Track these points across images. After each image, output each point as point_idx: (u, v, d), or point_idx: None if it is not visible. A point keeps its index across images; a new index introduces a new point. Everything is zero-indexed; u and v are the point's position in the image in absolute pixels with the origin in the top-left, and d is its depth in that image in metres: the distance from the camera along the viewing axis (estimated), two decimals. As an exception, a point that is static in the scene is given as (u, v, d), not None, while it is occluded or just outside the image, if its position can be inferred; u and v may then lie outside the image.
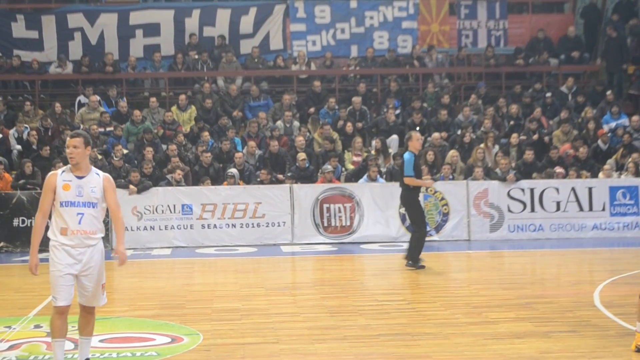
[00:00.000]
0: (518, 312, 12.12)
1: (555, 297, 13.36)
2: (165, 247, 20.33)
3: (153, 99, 24.86)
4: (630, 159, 21.82)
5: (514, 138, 22.93)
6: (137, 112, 23.64)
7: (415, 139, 16.95)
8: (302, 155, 21.79)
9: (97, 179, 8.96)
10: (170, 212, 20.53)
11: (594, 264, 17.81)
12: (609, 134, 23.53)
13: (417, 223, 16.75)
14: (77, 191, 8.82)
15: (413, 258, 16.69)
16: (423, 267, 16.69)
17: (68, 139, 8.97)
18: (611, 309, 12.07)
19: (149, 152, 21.62)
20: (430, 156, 21.36)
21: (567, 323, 11.43)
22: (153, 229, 20.49)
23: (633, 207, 21.12)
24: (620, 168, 22.02)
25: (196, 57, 26.59)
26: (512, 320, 11.62)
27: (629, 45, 28.34)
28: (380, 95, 26.14)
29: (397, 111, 24.82)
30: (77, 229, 8.78)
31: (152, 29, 27.42)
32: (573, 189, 21.13)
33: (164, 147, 22.63)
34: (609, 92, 25.51)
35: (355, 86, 26.02)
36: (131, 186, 20.23)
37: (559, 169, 21.62)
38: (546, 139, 23.24)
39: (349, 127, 23.57)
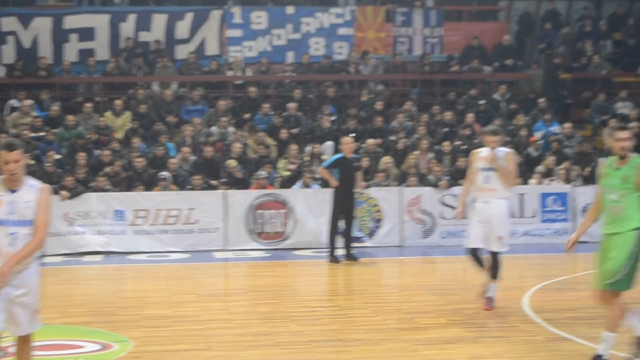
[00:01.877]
0: (449, 318, 12.23)
1: (486, 302, 13.49)
2: (97, 253, 20.11)
3: (87, 104, 24.63)
4: (562, 166, 22.07)
5: (446, 145, 23.06)
6: (70, 117, 23.39)
7: (344, 142, 18.83)
8: (232, 163, 21.72)
9: (32, 192, 7.91)
10: (103, 217, 20.34)
11: (524, 269, 17.98)
12: (541, 142, 23.79)
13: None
14: (9, 208, 7.79)
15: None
16: (336, 261, 18.22)
17: (3, 152, 7.84)
18: (540, 315, 12.22)
19: (81, 157, 21.42)
20: (364, 162, 21.50)
21: (497, 328, 11.58)
22: (85, 234, 20.28)
23: (563, 214, 21.37)
24: (548, 174, 22.23)
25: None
26: (442, 326, 11.72)
27: (562, 53, 28.73)
28: (316, 101, 26.17)
29: (333, 117, 24.87)
30: (9, 252, 7.76)
31: (86, 34, 27.17)
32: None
33: (97, 152, 22.43)
34: (541, 100, 25.80)
35: (290, 92, 26.04)
36: (62, 192, 20.00)
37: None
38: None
39: (284, 133, 23.57)
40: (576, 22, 30.54)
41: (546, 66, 28.58)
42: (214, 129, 23.87)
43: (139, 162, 21.45)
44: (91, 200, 20.29)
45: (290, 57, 27.92)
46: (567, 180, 21.84)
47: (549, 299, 13.42)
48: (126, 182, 21.26)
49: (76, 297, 14.69)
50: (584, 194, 21.58)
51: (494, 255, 12.85)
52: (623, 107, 26.09)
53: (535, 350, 10.31)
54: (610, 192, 9.27)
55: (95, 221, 20.24)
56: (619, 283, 9.17)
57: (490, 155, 12.72)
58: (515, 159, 13.45)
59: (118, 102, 24.46)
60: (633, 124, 24.22)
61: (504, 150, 12.95)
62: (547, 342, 10.69)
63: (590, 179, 22.48)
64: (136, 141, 22.59)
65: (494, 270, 12.86)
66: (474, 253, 12.97)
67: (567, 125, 24.52)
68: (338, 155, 18.82)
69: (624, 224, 9.17)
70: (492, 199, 12.77)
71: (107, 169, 21.25)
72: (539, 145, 23.55)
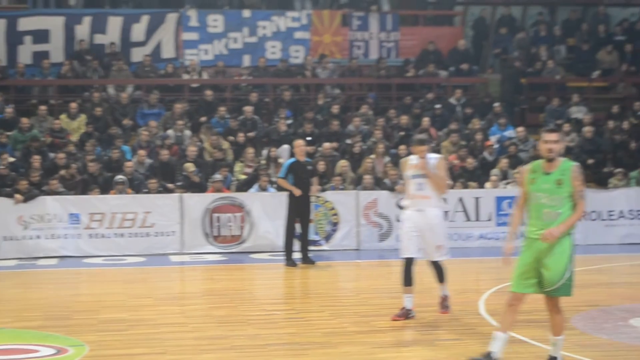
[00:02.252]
0: (405, 321, 12.24)
1: (442, 305, 13.54)
2: (52, 257, 19.97)
3: (42, 107, 24.42)
4: (517, 170, 22.21)
5: (403, 149, 23.14)
6: (24, 120, 23.21)
7: (296, 145, 18.79)
8: (190, 167, 21.65)
9: None
10: (58, 221, 20.18)
11: (480, 272, 18.10)
12: (496, 146, 23.94)
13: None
14: None
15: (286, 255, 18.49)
16: (293, 264, 18.21)
17: None
18: (496, 317, 12.24)
19: (36, 160, 21.25)
20: (321, 166, 21.52)
21: (453, 331, 11.61)
22: (39, 238, 20.11)
23: (518, 217, 21.48)
24: (503, 178, 22.39)
25: (88, 58, 26.26)
26: (399, 329, 11.75)
27: (520, 58, 28.94)
28: (273, 105, 26.16)
29: (289, 121, 24.87)
30: None
31: (41, 36, 26.97)
32: (460, 199, 21.44)
33: (52, 155, 22.27)
34: (496, 104, 25.98)
35: (247, 95, 26.00)
36: (17, 195, 19.83)
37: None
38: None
39: (241, 136, 23.53)
40: (531, 27, 30.80)
41: (503, 70, 28.72)
42: (170, 132, 23.78)
43: (93, 166, 21.30)
44: (46, 204, 20.13)
45: (246, 60, 27.90)
46: (522, 184, 21.95)
47: (504, 302, 13.42)
48: (81, 185, 21.11)
49: (31, 300, 14.56)
50: (538, 198, 21.72)
51: (436, 263, 12.59)
52: (577, 112, 26.34)
53: (491, 352, 10.36)
54: (543, 197, 9.19)
55: (50, 225, 20.10)
56: (562, 289, 9.23)
57: (420, 163, 12.31)
58: (446, 165, 13.07)
59: (73, 105, 24.30)
60: (587, 129, 24.49)
61: (435, 157, 12.55)
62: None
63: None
64: (90, 144, 22.41)
65: (440, 275, 12.68)
66: (409, 263, 12.43)
67: (520, 129, 24.68)
68: (291, 161, 18.78)
69: None
70: (427, 207, 12.35)
71: (62, 172, 21.10)
72: (494, 149, 23.68)
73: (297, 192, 18.22)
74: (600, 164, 23.65)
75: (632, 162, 23.65)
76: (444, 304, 12.75)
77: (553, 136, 9.22)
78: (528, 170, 9.45)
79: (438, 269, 12.64)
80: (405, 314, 12.37)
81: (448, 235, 21.01)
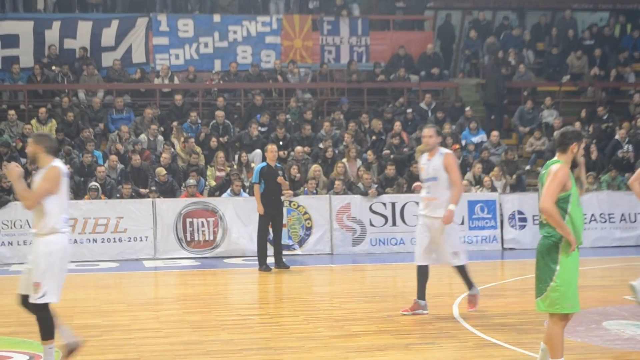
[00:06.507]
0: (379, 325, 12.27)
1: (416, 309, 13.57)
2: (24, 263, 19.76)
3: (12, 112, 24.28)
4: (487, 176, 22.30)
5: (371, 155, 23.16)
6: (-6, 125, 23.14)
7: (268, 150, 18.69)
8: (162, 171, 21.60)
9: None
10: (29, 227, 20.06)
11: (453, 276, 17.93)
12: (464, 152, 24.01)
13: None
14: None
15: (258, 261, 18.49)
16: (268, 269, 18.21)
17: None
18: (469, 321, 12.33)
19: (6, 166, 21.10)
20: (294, 171, 21.53)
21: (427, 335, 11.64)
22: (11, 244, 20.01)
23: (491, 221, 21.60)
24: (477, 182, 22.48)
25: (55, 68, 26.11)
26: (373, 333, 11.76)
27: (485, 62, 29.08)
28: (244, 109, 26.14)
29: (264, 128, 24.81)
30: None
31: (10, 40, 26.82)
32: (433, 203, 21.46)
33: (23, 160, 22.13)
34: (467, 108, 26.10)
35: (218, 100, 25.97)
36: (-12, 201, 19.76)
37: (417, 184, 21.94)
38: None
39: (213, 141, 23.50)
40: (500, 31, 30.91)
41: (488, 75, 28.64)
42: (142, 137, 23.71)
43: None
44: (17, 209, 20.01)
45: (217, 65, 27.86)
46: (493, 188, 22.08)
47: (478, 306, 13.52)
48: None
49: (3, 307, 14.44)
50: (510, 202, 21.86)
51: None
52: (548, 116, 26.50)
53: (466, 356, 10.40)
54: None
55: (21, 230, 19.99)
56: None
57: None
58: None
59: (42, 110, 24.15)
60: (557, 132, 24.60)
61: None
62: (477, 348, 10.78)
63: (516, 187, 22.84)
64: (65, 151, 22.27)
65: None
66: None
67: (495, 133, 24.81)
68: (262, 165, 18.71)
69: None
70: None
71: (28, 179, 20.96)
72: (460, 153, 23.68)
73: (261, 210, 18.22)
74: (571, 167, 23.73)
75: (602, 166, 23.80)
76: None
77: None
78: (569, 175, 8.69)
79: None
80: None
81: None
